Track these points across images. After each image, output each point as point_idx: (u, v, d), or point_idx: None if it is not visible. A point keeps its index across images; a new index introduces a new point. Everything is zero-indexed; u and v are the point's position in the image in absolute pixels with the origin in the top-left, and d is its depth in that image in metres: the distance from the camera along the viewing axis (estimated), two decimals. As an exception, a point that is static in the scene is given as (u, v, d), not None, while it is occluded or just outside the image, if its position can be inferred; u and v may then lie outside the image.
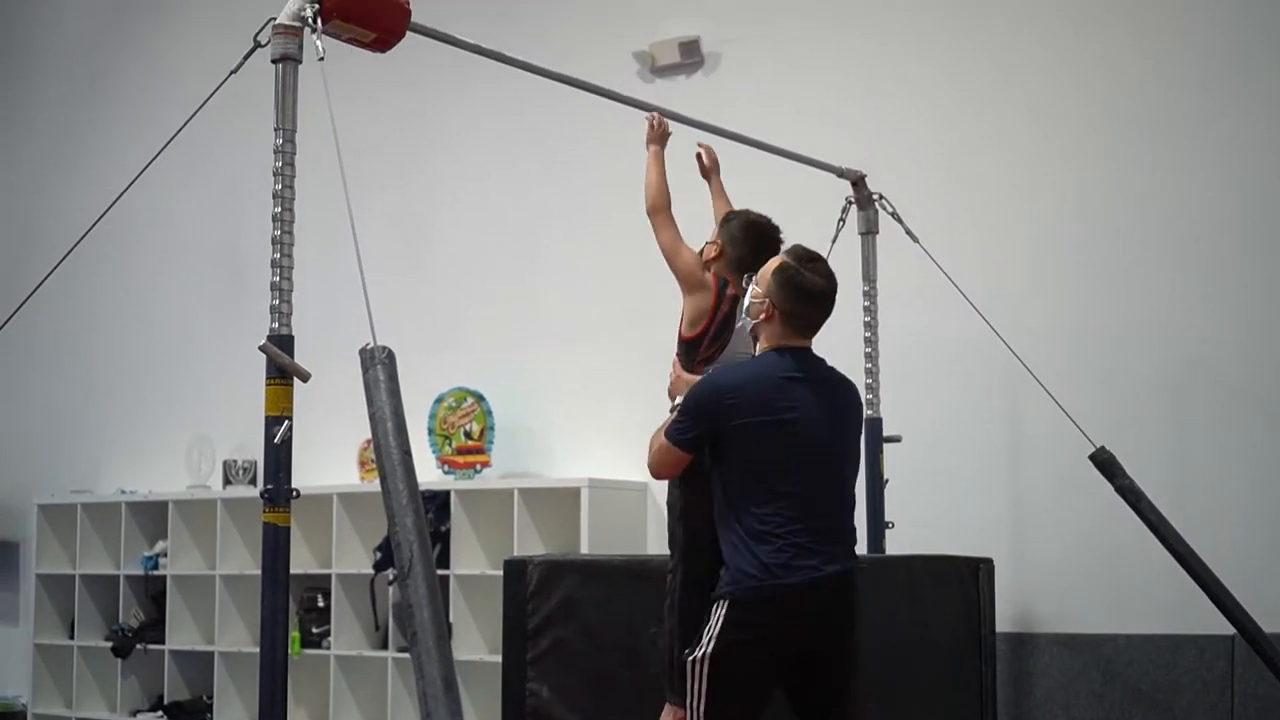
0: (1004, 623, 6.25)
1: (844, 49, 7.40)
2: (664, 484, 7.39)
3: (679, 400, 4.48)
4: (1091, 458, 5.88)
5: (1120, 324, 6.52)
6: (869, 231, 6.36)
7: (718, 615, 4.11)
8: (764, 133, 6.19)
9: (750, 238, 4.79)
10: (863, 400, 4.56)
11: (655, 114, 5.11)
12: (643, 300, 6.90)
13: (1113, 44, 6.72)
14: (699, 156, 5.39)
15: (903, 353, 6.61)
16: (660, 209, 4.87)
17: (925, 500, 6.58)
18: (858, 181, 6.32)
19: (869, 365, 6.28)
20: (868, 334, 6.30)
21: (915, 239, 6.15)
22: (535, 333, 8.09)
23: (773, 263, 4.39)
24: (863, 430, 4.61)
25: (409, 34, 4.30)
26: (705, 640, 4.09)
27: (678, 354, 4.73)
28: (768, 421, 4.16)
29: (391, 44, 4.26)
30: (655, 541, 7.54)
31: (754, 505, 4.13)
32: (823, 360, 4.43)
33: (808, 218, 6.68)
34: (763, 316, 4.33)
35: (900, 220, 6.22)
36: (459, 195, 8.50)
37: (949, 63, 7.10)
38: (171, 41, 9.88)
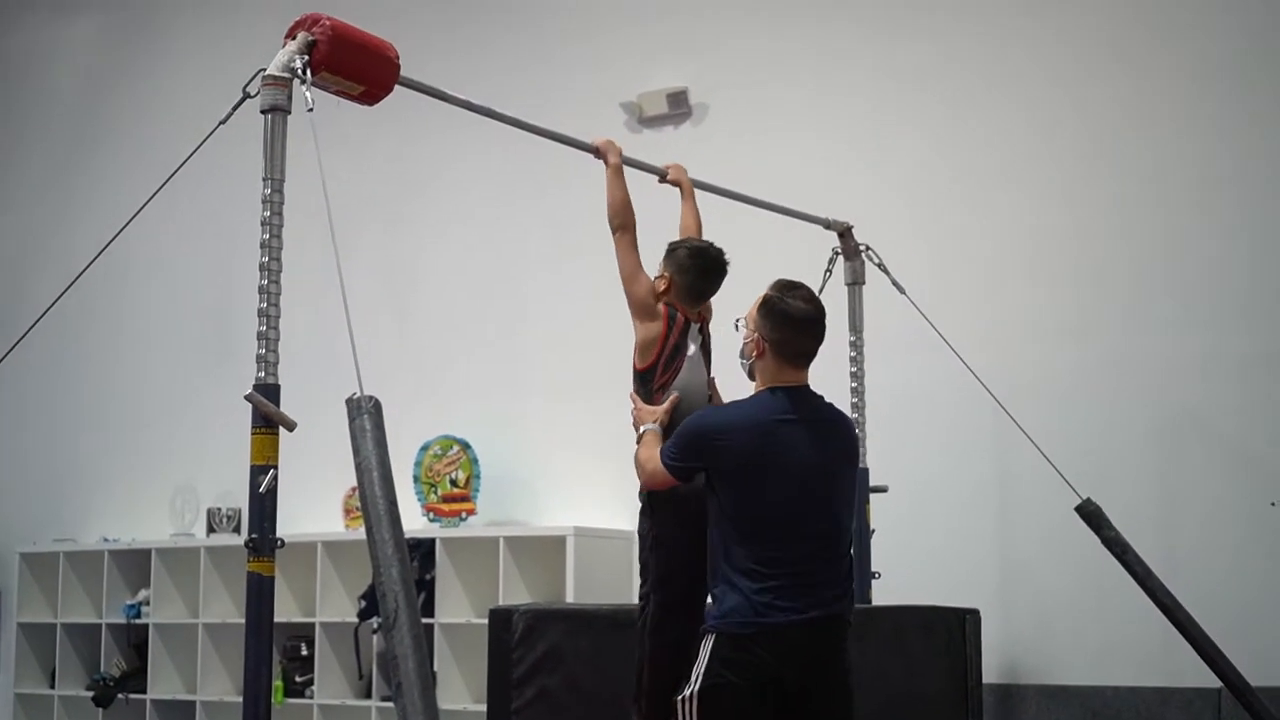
0: (991, 673, 6.24)
1: (830, 100, 7.44)
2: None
3: (644, 428, 4.50)
4: (1078, 509, 5.88)
5: (1107, 376, 6.55)
6: (855, 282, 6.37)
7: (705, 651, 4.09)
8: (751, 182, 6.20)
9: (697, 264, 4.79)
10: (857, 437, 4.54)
11: (603, 141, 5.06)
12: (630, 350, 6.90)
13: (1096, 96, 6.76)
14: (666, 177, 5.36)
15: (889, 403, 6.61)
16: (624, 227, 4.84)
17: (912, 550, 6.57)
18: (844, 233, 6.34)
19: (856, 415, 6.28)
20: (854, 384, 6.30)
21: (901, 290, 6.16)
22: (521, 381, 8.10)
23: (757, 300, 4.40)
24: (857, 467, 4.60)
25: (397, 87, 4.31)
26: (694, 678, 4.07)
27: (634, 387, 4.70)
28: (756, 465, 4.16)
29: (380, 97, 4.27)
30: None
31: (741, 544, 4.12)
32: (820, 398, 4.42)
33: (794, 268, 6.69)
34: (755, 355, 4.35)
35: (886, 271, 6.23)
36: (447, 245, 8.51)
37: (935, 115, 7.15)
38: (164, 89, 9.90)
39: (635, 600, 7.23)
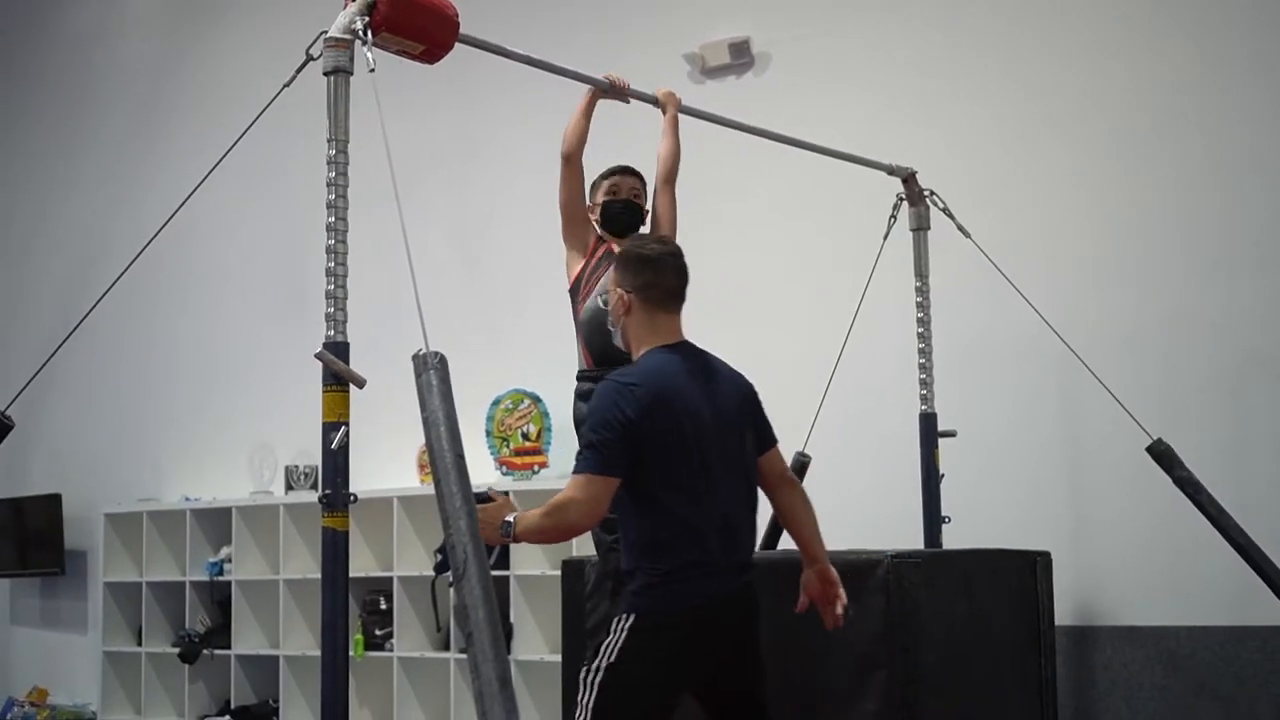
0: (1064, 616, 6.24)
1: (893, 45, 7.42)
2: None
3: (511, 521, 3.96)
4: (1149, 450, 5.89)
5: (1176, 316, 6.50)
6: (920, 228, 6.37)
7: (619, 630, 3.92)
8: (814, 131, 6.22)
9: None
10: (756, 392, 4.30)
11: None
12: (698, 298, 6.94)
13: (1167, 38, 6.70)
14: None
15: (956, 348, 6.63)
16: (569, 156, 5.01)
17: (981, 495, 6.59)
18: (908, 178, 6.34)
19: (922, 360, 6.30)
20: (921, 330, 6.32)
21: (967, 234, 6.16)
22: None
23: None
24: (759, 425, 4.29)
25: (459, 45, 4.35)
26: (603, 654, 3.91)
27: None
28: (663, 426, 3.94)
29: (440, 55, 4.30)
30: (714, 540, 7.57)
31: (649, 518, 3.96)
32: (711, 355, 4.26)
33: (858, 214, 6.74)
34: (623, 312, 4.18)
35: (951, 215, 6.23)
36: (513, 199, 8.55)
37: (1000, 57, 7.10)
38: (228, 55, 10.01)
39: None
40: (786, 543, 6.36)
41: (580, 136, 4.94)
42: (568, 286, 5.00)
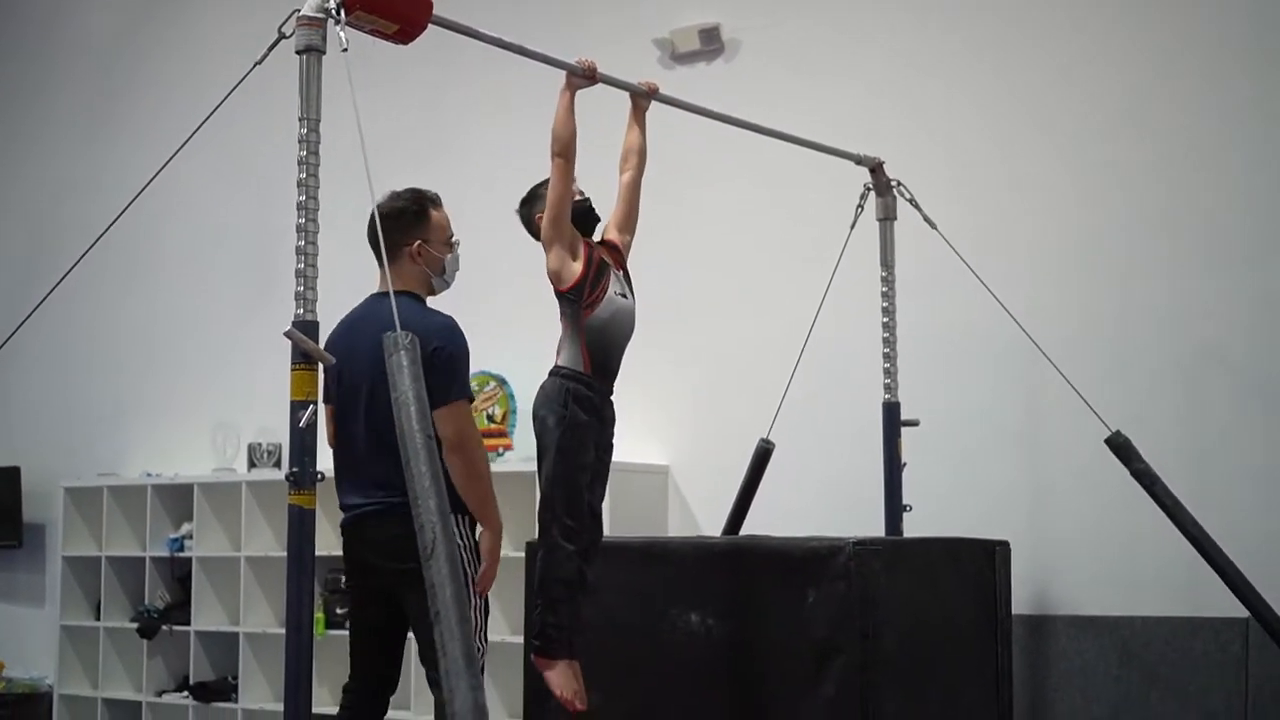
0: (1021, 605, 6.28)
1: (865, 34, 7.44)
2: (686, 465, 7.55)
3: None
4: (1107, 442, 5.95)
5: (1136, 309, 6.56)
6: (887, 218, 6.40)
7: None
8: (783, 119, 6.23)
9: None
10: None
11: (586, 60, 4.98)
12: (665, 285, 6.97)
13: (1147, 23, 6.71)
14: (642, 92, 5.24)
15: (921, 338, 6.67)
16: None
17: (943, 483, 6.64)
18: (876, 168, 6.36)
19: (887, 350, 6.34)
20: (886, 319, 6.35)
21: (933, 225, 6.19)
22: (556, 317, 8.14)
23: None
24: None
25: (432, 25, 4.36)
26: None
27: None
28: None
29: (414, 35, 4.30)
30: (676, 523, 7.62)
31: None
32: (381, 299, 4.61)
33: (826, 204, 6.77)
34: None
35: (918, 206, 6.26)
36: (482, 182, 8.52)
37: (968, 48, 7.13)
38: (201, 31, 9.96)
39: (669, 533, 7.40)
40: (749, 528, 6.44)
41: (573, 132, 4.81)
42: (562, 289, 4.80)
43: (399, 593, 4.57)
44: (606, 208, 5.10)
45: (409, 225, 4.74)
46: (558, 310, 4.88)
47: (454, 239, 4.91)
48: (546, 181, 4.87)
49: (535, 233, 4.91)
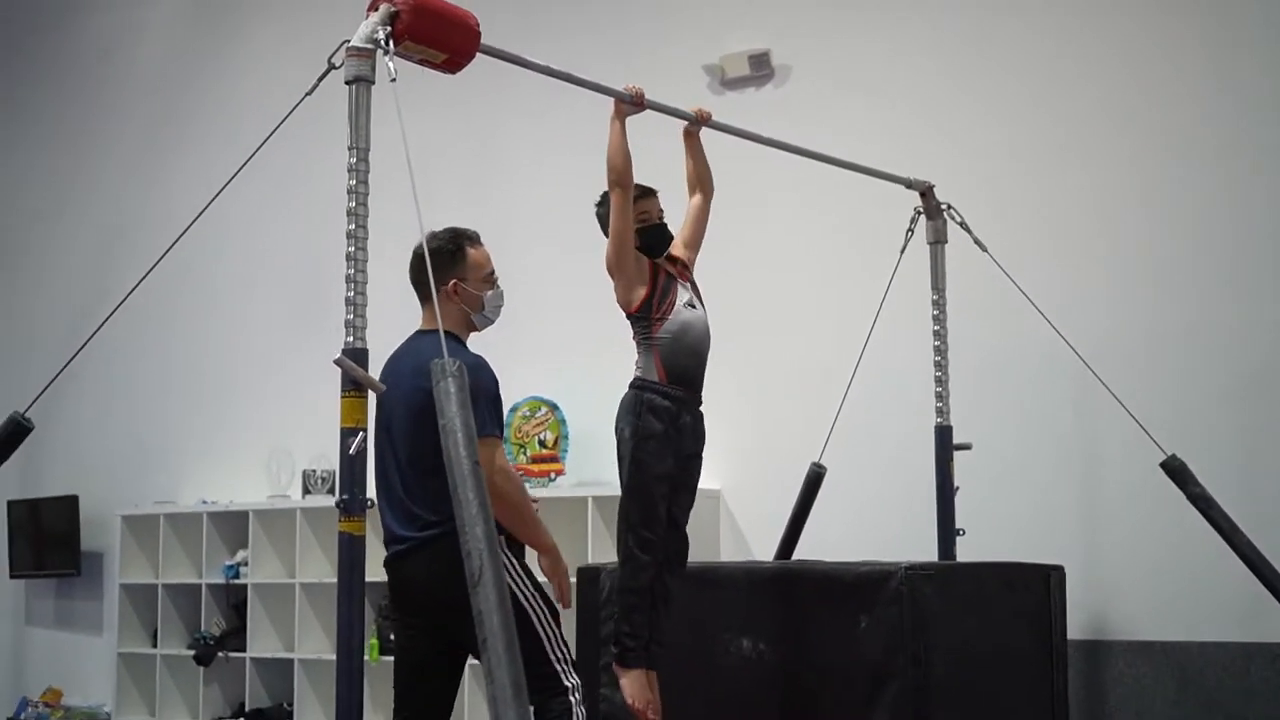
0: (1077, 630, 6.26)
1: (912, 59, 7.43)
2: (739, 489, 7.53)
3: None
4: (1163, 465, 5.91)
5: (1191, 332, 6.52)
6: (937, 241, 6.39)
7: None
8: (833, 143, 6.24)
9: None
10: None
11: (634, 87, 5.00)
12: (717, 308, 6.96)
13: (1185, 56, 6.71)
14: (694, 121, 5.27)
15: (973, 361, 6.64)
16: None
17: (997, 508, 6.61)
18: (926, 192, 6.36)
19: (939, 374, 6.32)
20: (937, 343, 6.34)
21: (984, 248, 6.18)
22: (609, 341, 8.13)
23: None
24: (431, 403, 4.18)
25: (481, 55, 4.38)
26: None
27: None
28: None
29: (462, 65, 4.33)
30: (728, 547, 7.60)
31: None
32: (422, 336, 4.71)
33: (875, 228, 6.77)
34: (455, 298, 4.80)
35: (968, 229, 6.25)
36: (533, 208, 8.57)
37: (1020, 72, 7.11)
38: (250, 61, 10.05)
39: (721, 557, 7.39)
40: (801, 552, 6.42)
41: (628, 160, 4.85)
42: (630, 312, 4.89)
43: (453, 629, 4.51)
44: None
45: (445, 264, 4.73)
46: (630, 333, 4.96)
47: (493, 275, 4.87)
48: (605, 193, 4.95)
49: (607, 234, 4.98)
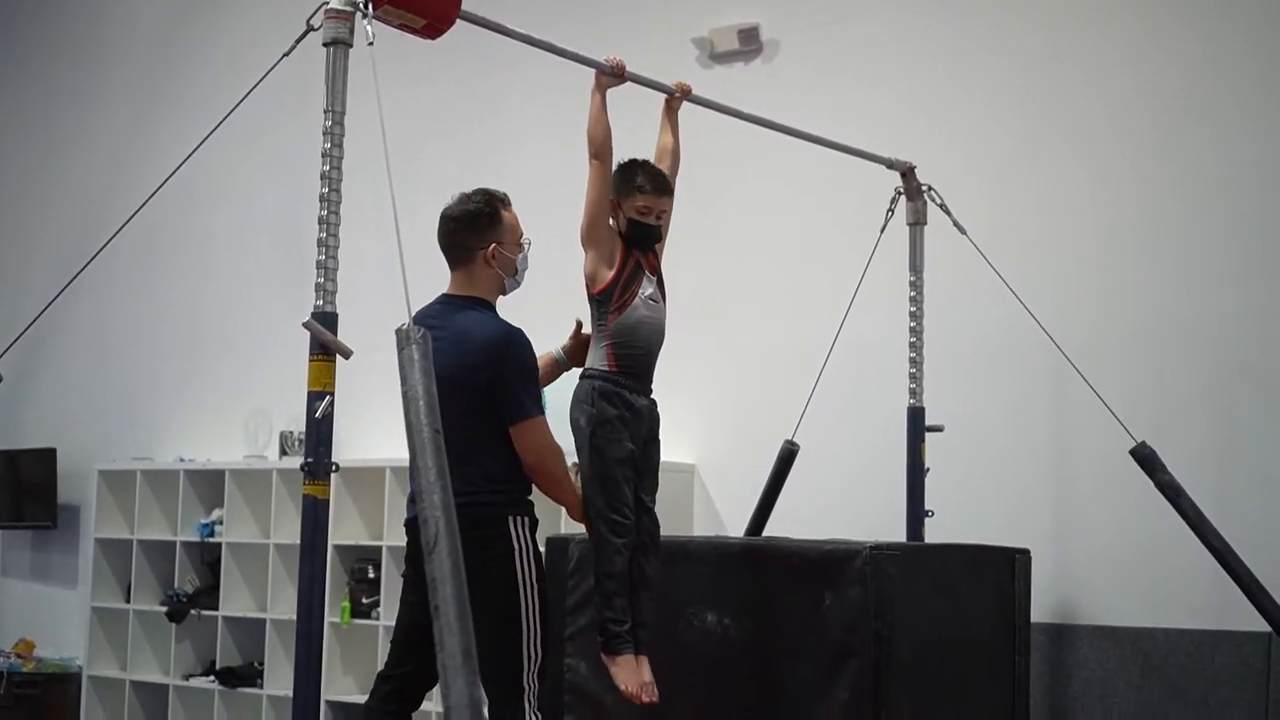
0: (1043, 613, 6.29)
1: (902, 39, 7.43)
2: (713, 464, 7.53)
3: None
4: (1132, 452, 5.93)
5: (1164, 320, 6.53)
6: (917, 222, 6.40)
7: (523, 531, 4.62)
8: (818, 121, 6.25)
9: None
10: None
11: (615, 58, 4.92)
12: (694, 285, 6.97)
13: (1174, 44, 6.71)
14: (675, 94, 5.20)
15: (947, 343, 6.65)
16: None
17: (966, 490, 6.63)
18: (907, 172, 6.36)
19: (913, 355, 6.34)
20: (913, 324, 6.35)
21: (962, 230, 6.19)
22: (580, 311, 8.16)
23: None
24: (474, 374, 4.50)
25: (463, 22, 4.37)
26: (525, 561, 4.58)
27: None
28: None
29: (442, 30, 4.31)
30: (701, 523, 7.63)
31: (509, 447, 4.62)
32: (455, 304, 4.67)
33: (856, 207, 6.77)
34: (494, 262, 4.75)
35: (948, 211, 6.25)
36: (513, 177, 8.47)
37: (1007, 57, 7.11)
38: (236, 22, 10.02)
39: (695, 532, 7.40)
40: (772, 529, 6.45)
41: (608, 133, 4.78)
42: (593, 292, 4.79)
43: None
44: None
45: (484, 228, 4.66)
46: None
47: (525, 238, 4.82)
48: (630, 162, 4.85)
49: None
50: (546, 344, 4.90)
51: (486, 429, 4.50)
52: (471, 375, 4.44)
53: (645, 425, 4.86)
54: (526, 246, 4.80)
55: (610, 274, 4.76)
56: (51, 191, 11.17)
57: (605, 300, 4.77)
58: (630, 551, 4.76)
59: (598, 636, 4.82)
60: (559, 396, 4.94)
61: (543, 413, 4.63)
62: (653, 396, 4.89)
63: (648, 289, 4.82)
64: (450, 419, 4.28)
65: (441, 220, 4.68)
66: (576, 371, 4.91)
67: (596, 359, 4.81)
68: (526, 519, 4.57)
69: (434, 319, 4.47)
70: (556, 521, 7.33)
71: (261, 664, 8.93)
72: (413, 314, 4.59)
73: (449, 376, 4.12)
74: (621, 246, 4.81)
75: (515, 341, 4.60)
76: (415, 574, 4.57)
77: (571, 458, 4.76)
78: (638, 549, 4.80)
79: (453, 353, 4.32)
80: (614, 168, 4.81)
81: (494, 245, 4.66)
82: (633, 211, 4.80)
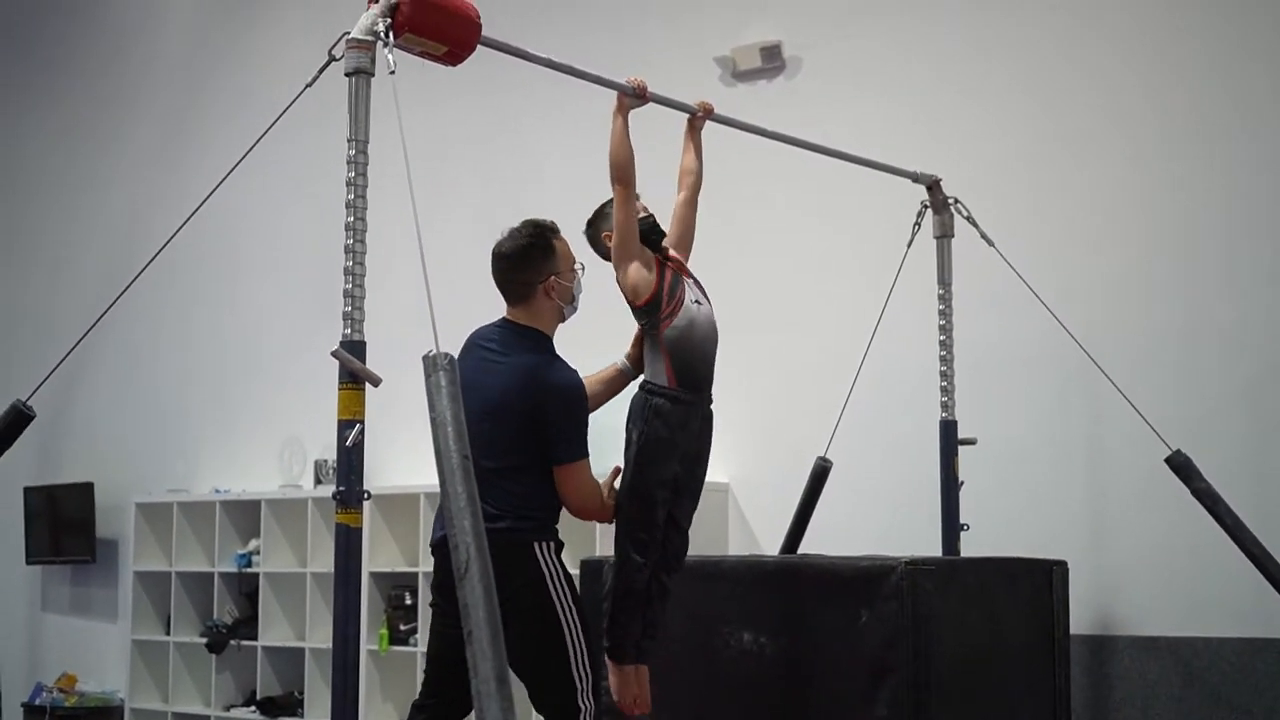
0: (1082, 625, 6.25)
1: (925, 53, 7.42)
2: (747, 482, 7.52)
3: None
4: (1168, 461, 5.90)
5: (1196, 327, 6.49)
6: (944, 235, 6.38)
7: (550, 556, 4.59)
8: (843, 136, 6.25)
9: None
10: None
11: (636, 80, 4.91)
12: (723, 302, 6.96)
13: (1187, 52, 6.68)
14: (697, 114, 5.19)
15: (978, 356, 6.62)
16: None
17: (1001, 503, 6.60)
18: (933, 186, 6.35)
19: (944, 368, 6.32)
20: (943, 337, 6.33)
21: (990, 242, 6.17)
22: (618, 333, 8.16)
23: None
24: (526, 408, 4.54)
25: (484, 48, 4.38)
26: (559, 589, 4.55)
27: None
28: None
29: (463, 57, 4.31)
30: (736, 541, 7.62)
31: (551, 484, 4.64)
32: (514, 332, 4.66)
33: (885, 221, 6.76)
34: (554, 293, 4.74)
35: (975, 224, 6.24)
36: (543, 201, 8.56)
37: (1029, 70, 7.10)
38: (266, 53, 10.08)
39: (730, 551, 7.39)
40: (807, 546, 6.43)
41: (630, 155, 4.75)
42: (639, 303, 4.76)
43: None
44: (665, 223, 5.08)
45: (539, 261, 4.65)
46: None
47: (578, 264, 4.80)
48: (611, 201, 4.84)
49: (602, 252, 4.89)
50: (584, 366, 4.89)
51: (526, 458, 4.52)
52: (528, 408, 4.49)
53: (695, 444, 4.84)
54: (580, 272, 4.78)
55: (654, 280, 4.75)
56: (81, 227, 11.25)
57: (654, 309, 4.76)
58: (651, 569, 4.77)
59: (604, 640, 4.83)
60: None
61: (587, 455, 4.64)
62: (711, 409, 4.89)
63: (691, 293, 4.83)
64: (494, 441, 4.36)
65: (495, 259, 4.67)
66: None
67: (655, 373, 4.79)
68: (551, 543, 4.57)
69: (494, 343, 4.60)
70: (591, 543, 7.35)
71: (301, 693, 8.95)
72: (468, 335, 4.67)
73: (504, 403, 4.37)
74: (655, 259, 4.82)
75: (577, 388, 4.63)
76: (444, 602, 4.57)
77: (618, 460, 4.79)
78: (660, 565, 4.80)
79: (513, 381, 4.48)
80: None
81: (552, 277, 4.65)
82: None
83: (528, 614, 4.37)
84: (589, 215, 4.96)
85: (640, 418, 4.76)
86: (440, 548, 4.54)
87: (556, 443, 4.52)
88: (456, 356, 3.75)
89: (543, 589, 4.45)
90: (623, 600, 4.76)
